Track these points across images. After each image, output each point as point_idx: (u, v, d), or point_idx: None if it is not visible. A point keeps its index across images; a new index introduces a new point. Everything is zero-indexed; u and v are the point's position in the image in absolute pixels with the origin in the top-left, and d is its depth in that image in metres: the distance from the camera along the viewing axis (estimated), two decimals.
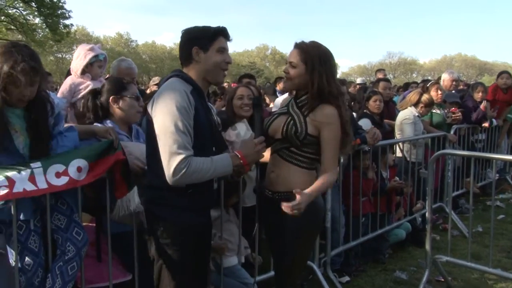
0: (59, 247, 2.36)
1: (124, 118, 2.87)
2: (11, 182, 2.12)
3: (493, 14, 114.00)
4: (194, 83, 2.25)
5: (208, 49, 2.24)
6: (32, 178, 2.17)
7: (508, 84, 7.20)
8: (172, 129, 2.07)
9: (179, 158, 2.06)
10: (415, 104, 5.49)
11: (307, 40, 2.52)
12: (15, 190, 2.13)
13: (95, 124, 2.84)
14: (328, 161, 2.45)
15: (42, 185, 2.19)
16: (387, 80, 6.51)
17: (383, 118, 5.29)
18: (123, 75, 3.74)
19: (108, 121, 2.85)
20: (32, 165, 2.19)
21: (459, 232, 5.51)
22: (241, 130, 2.87)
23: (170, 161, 2.07)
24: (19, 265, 2.24)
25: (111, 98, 2.83)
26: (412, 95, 5.62)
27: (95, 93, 2.93)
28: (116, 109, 2.85)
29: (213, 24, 2.32)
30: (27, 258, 2.27)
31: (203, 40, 2.24)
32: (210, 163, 2.15)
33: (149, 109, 2.22)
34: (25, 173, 2.15)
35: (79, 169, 2.29)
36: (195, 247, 2.30)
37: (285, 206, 2.23)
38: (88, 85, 3.46)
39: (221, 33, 2.29)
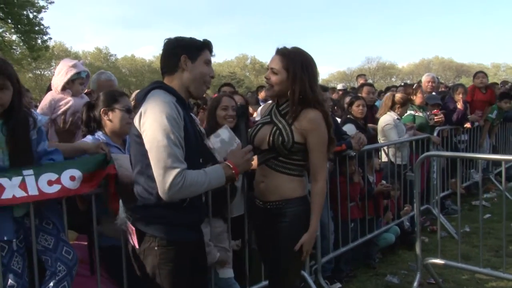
0: (48, 268, 2.30)
1: (115, 130, 2.86)
2: (0, 188, 2.10)
3: (468, 17, 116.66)
4: (177, 94, 2.19)
5: (196, 59, 2.20)
6: (23, 185, 2.15)
7: (485, 82, 7.31)
8: (165, 142, 1.98)
9: (174, 172, 1.98)
10: (392, 107, 5.54)
11: (289, 46, 2.50)
12: (3, 197, 2.11)
13: (87, 136, 2.84)
14: (316, 167, 2.47)
15: (33, 191, 2.17)
16: (371, 85, 6.57)
17: (367, 122, 5.32)
18: (103, 88, 3.70)
19: (100, 133, 2.85)
20: (24, 171, 2.17)
21: (447, 233, 5.55)
22: (224, 136, 2.82)
23: (165, 176, 1.98)
24: (2, 287, 2.18)
25: (102, 110, 2.83)
26: (386, 100, 5.68)
27: (89, 106, 2.93)
28: (107, 121, 2.85)
29: (192, 36, 2.29)
30: (10, 280, 2.19)
31: (192, 50, 2.20)
32: (204, 176, 2.09)
33: (136, 123, 2.12)
34: (16, 180, 2.14)
35: (72, 178, 2.29)
36: (191, 265, 2.23)
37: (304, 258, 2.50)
38: (68, 101, 3.39)
39: (207, 47, 2.27)
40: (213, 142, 3.19)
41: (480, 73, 7.47)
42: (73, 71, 3.39)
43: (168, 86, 2.21)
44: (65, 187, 2.25)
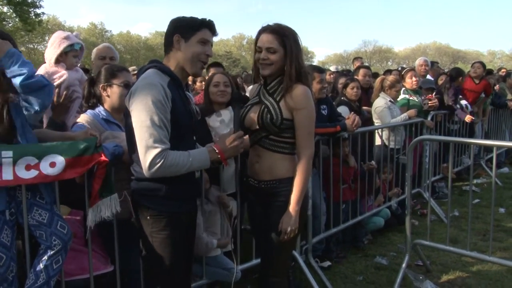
0: (43, 242, 2.31)
1: (114, 106, 2.83)
2: None
3: (466, 3, 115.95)
4: (172, 74, 2.24)
5: (189, 38, 2.23)
6: None
7: (478, 73, 7.31)
8: (148, 123, 2.07)
9: (155, 151, 2.07)
10: (382, 90, 5.56)
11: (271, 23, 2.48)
12: None
13: (87, 111, 2.82)
14: (301, 146, 2.46)
15: (7, 176, 2.15)
16: (367, 68, 6.52)
17: (361, 105, 5.31)
18: (101, 54, 3.77)
19: (101, 108, 2.83)
20: (3, 153, 2.14)
21: (436, 216, 5.63)
22: (225, 117, 2.82)
23: (146, 154, 2.08)
24: None
25: (101, 86, 2.82)
26: (376, 84, 5.70)
27: (91, 81, 2.91)
28: (106, 97, 2.83)
29: (189, 13, 2.32)
30: None
31: (186, 29, 2.23)
32: (187, 157, 2.16)
33: (126, 103, 2.20)
34: None
35: (52, 165, 2.24)
36: (183, 234, 2.33)
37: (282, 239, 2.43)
38: (62, 75, 3.34)
39: (206, 25, 2.28)
40: (213, 120, 3.21)
41: (477, 63, 7.47)
42: (65, 43, 3.32)
43: (164, 66, 2.26)
44: (42, 173, 2.22)
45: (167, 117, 2.13)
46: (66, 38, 3.35)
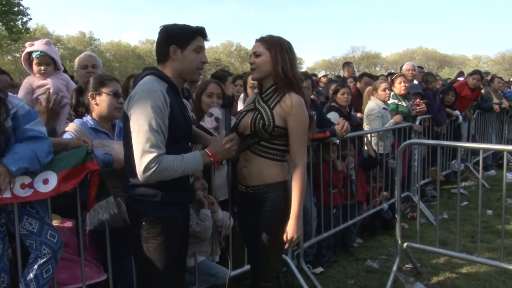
0: (33, 251, 2.31)
1: (102, 115, 2.84)
2: None
3: (452, 8, 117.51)
4: (170, 81, 2.27)
5: (185, 48, 2.27)
6: None
7: (477, 85, 7.47)
8: (146, 128, 2.09)
9: (150, 156, 2.09)
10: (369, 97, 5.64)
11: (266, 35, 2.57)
12: None
13: (75, 120, 2.82)
14: (296, 152, 2.49)
15: (6, 194, 2.17)
16: (371, 76, 6.64)
17: (351, 111, 5.36)
18: (83, 63, 3.73)
19: (88, 117, 2.83)
20: None
21: (426, 219, 5.69)
22: (217, 114, 2.83)
23: (142, 159, 2.10)
24: None
25: (89, 94, 2.81)
26: (365, 95, 5.81)
27: (79, 90, 2.91)
28: (94, 105, 2.83)
29: (179, 21, 2.35)
30: None
31: (181, 39, 2.26)
32: (180, 161, 2.18)
33: (125, 107, 2.23)
34: None
35: (45, 182, 2.26)
36: (178, 240, 2.35)
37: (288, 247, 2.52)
38: (46, 83, 3.33)
39: (200, 33, 2.32)
40: (208, 122, 3.21)
41: (477, 75, 7.55)
42: (26, 50, 3.33)
43: (162, 72, 2.29)
44: (37, 191, 2.24)
45: (165, 122, 2.15)
46: (30, 45, 3.35)
